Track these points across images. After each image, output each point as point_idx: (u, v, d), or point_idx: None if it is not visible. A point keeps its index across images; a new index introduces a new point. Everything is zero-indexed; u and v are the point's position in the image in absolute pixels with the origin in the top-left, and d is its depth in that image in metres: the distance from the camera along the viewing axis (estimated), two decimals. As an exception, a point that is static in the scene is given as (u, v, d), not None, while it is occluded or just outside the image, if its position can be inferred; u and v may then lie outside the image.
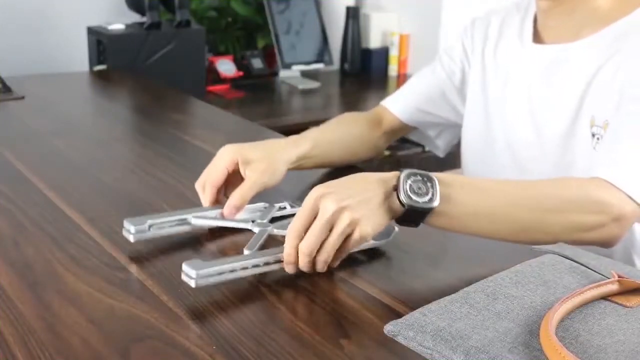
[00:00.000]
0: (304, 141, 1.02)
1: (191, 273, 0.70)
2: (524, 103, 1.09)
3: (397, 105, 1.24)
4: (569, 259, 0.73)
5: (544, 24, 1.08)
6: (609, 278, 0.68)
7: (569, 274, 0.70)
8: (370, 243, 0.83)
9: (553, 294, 0.66)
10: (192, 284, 0.70)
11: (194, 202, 0.95)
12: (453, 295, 0.65)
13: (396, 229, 0.86)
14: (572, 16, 1.03)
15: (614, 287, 0.67)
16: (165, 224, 0.83)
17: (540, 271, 0.70)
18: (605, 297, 0.66)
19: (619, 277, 0.68)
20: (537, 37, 1.10)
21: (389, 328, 0.62)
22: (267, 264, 0.75)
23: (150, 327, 0.66)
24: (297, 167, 1.01)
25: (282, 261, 0.75)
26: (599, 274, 0.70)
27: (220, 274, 0.71)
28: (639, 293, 0.67)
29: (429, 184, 0.75)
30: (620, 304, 0.66)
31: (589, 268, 0.71)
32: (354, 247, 0.76)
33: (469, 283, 0.68)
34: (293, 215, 0.77)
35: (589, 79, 0.99)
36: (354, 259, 0.82)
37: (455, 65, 1.22)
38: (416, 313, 0.62)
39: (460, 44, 1.22)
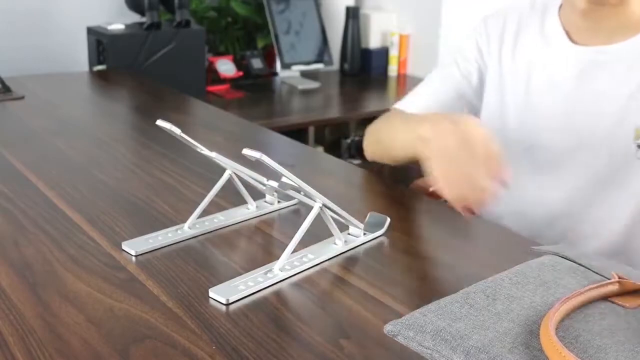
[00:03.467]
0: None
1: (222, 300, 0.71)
2: (553, 105, 1.05)
3: (415, 110, 1.18)
4: (569, 259, 0.73)
5: (578, 24, 1.04)
6: (609, 279, 0.68)
7: (569, 275, 0.70)
8: (365, 237, 0.85)
9: (553, 294, 0.66)
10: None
11: (193, 202, 0.95)
12: (453, 295, 0.65)
13: (388, 219, 0.87)
14: (610, 19, 1.00)
15: (614, 288, 0.67)
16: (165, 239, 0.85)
17: (540, 272, 0.70)
18: (605, 298, 0.66)
19: (620, 278, 0.68)
20: (568, 38, 1.06)
21: (389, 328, 0.62)
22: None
23: (150, 327, 0.66)
24: None
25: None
26: (599, 275, 0.70)
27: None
28: (639, 295, 0.67)
29: None
30: (620, 305, 0.66)
31: (590, 269, 0.71)
32: None
33: (469, 283, 0.68)
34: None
35: (634, 86, 0.96)
36: (354, 259, 0.82)
37: (470, 66, 1.18)
38: (416, 313, 0.62)
39: (474, 43, 1.18)
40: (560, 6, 1.09)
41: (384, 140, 1.13)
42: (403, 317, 0.62)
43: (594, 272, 0.71)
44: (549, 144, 1.06)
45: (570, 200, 1.05)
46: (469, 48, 1.19)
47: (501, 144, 1.13)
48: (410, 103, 1.20)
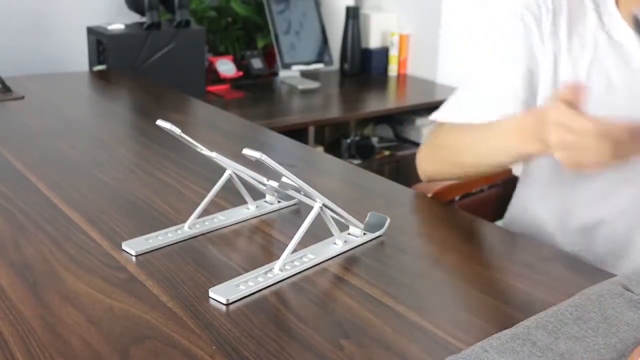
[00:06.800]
0: None
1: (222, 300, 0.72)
2: (611, 108, 0.92)
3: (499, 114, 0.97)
4: (628, 290, 0.70)
5: None
6: None
7: (629, 309, 0.68)
8: (365, 237, 0.85)
9: (615, 332, 0.65)
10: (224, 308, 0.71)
11: (193, 202, 0.95)
12: (513, 329, 0.64)
13: (388, 219, 0.87)
14: None
15: None
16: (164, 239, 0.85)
17: (600, 305, 0.68)
18: None
19: None
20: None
21: None
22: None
23: (150, 327, 0.66)
24: None
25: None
26: None
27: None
28: None
29: None
30: None
31: None
32: None
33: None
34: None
35: None
36: (354, 259, 0.82)
37: (527, 59, 1.00)
38: (477, 347, 0.60)
39: (523, 30, 0.99)
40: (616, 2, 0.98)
41: (461, 155, 0.99)
42: (463, 352, 0.60)
43: None
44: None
45: (625, 213, 0.98)
46: (520, 36, 1.00)
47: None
48: (487, 108, 0.98)
